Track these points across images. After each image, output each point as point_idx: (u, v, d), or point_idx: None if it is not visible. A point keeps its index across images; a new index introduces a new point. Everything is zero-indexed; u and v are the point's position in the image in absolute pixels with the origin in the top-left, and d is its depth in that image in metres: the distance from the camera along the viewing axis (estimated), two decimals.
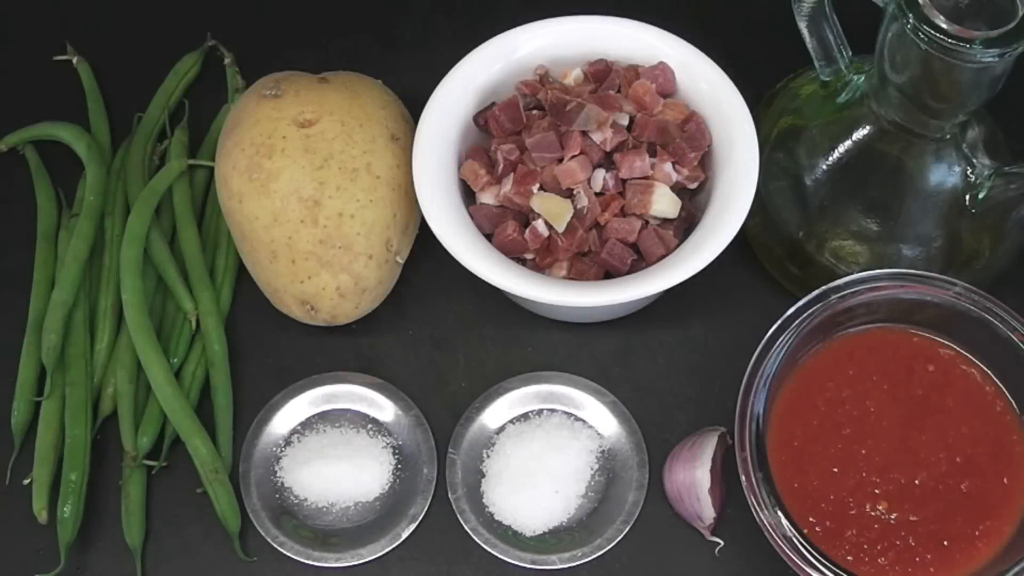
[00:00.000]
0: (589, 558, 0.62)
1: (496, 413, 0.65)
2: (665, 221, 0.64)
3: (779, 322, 0.60)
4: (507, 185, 0.63)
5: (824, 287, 0.61)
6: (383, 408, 0.66)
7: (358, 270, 0.63)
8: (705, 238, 0.61)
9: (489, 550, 0.62)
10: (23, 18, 0.79)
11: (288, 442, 0.65)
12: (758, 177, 0.62)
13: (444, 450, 0.65)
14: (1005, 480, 0.59)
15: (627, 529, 0.62)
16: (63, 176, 0.72)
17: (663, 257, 0.63)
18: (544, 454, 0.63)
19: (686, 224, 0.64)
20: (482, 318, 0.69)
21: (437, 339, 0.68)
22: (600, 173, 0.63)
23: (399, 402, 0.66)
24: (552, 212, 0.62)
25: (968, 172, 0.62)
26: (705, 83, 0.66)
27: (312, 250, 0.63)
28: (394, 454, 0.65)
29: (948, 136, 0.61)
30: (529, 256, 0.64)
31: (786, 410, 0.60)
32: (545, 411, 0.65)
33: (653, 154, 0.64)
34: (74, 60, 0.76)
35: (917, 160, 0.62)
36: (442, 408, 0.66)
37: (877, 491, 0.58)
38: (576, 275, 0.63)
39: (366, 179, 0.63)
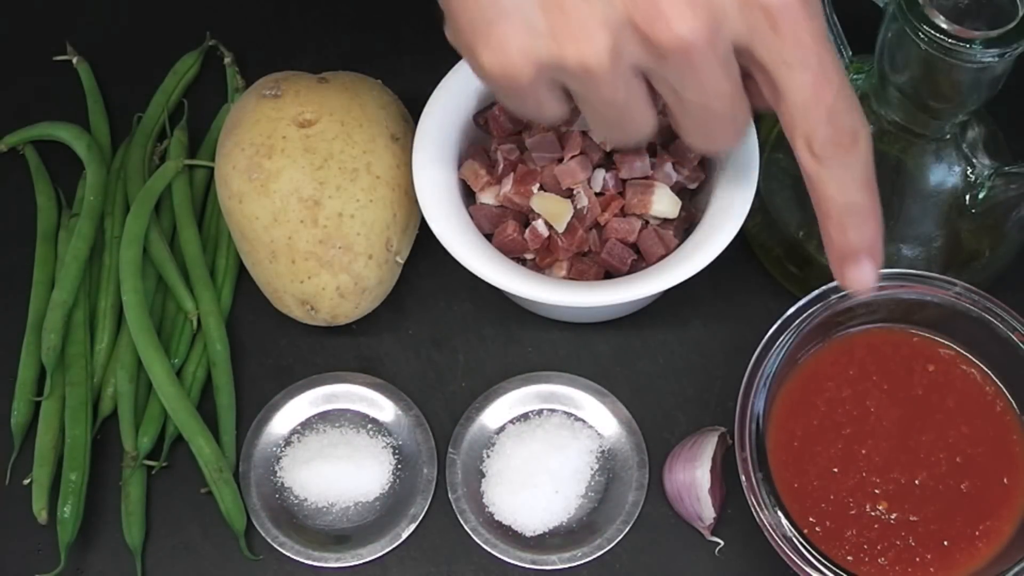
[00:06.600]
0: (589, 558, 0.62)
1: (496, 413, 0.65)
2: (665, 221, 0.64)
3: (779, 322, 0.60)
4: (507, 185, 0.63)
5: (824, 287, 0.61)
6: (383, 408, 0.66)
7: (358, 270, 0.63)
8: (705, 238, 0.61)
9: (489, 550, 0.62)
10: (23, 18, 0.79)
11: (288, 442, 0.65)
12: (758, 177, 0.62)
13: (444, 450, 0.65)
14: (1005, 480, 0.59)
15: (627, 529, 0.62)
16: (63, 176, 0.72)
17: (663, 257, 0.63)
18: (544, 454, 0.63)
19: (686, 224, 0.64)
20: (482, 318, 0.69)
21: (437, 339, 0.68)
22: (600, 173, 0.63)
23: (399, 402, 0.66)
24: (552, 212, 0.62)
25: (968, 172, 0.62)
26: None
27: (312, 250, 0.63)
28: (394, 454, 0.65)
29: (948, 136, 0.61)
30: (529, 256, 0.64)
31: (786, 410, 0.60)
32: (545, 411, 0.65)
33: (653, 154, 0.64)
34: (74, 60, 0.76)
35: (917, 160, 0.62)
36: (442, 408, 0.66)
37: (877, 491, 0.58)
38: (576, 275, 0.63)
39: (366, 179, 0.63)
